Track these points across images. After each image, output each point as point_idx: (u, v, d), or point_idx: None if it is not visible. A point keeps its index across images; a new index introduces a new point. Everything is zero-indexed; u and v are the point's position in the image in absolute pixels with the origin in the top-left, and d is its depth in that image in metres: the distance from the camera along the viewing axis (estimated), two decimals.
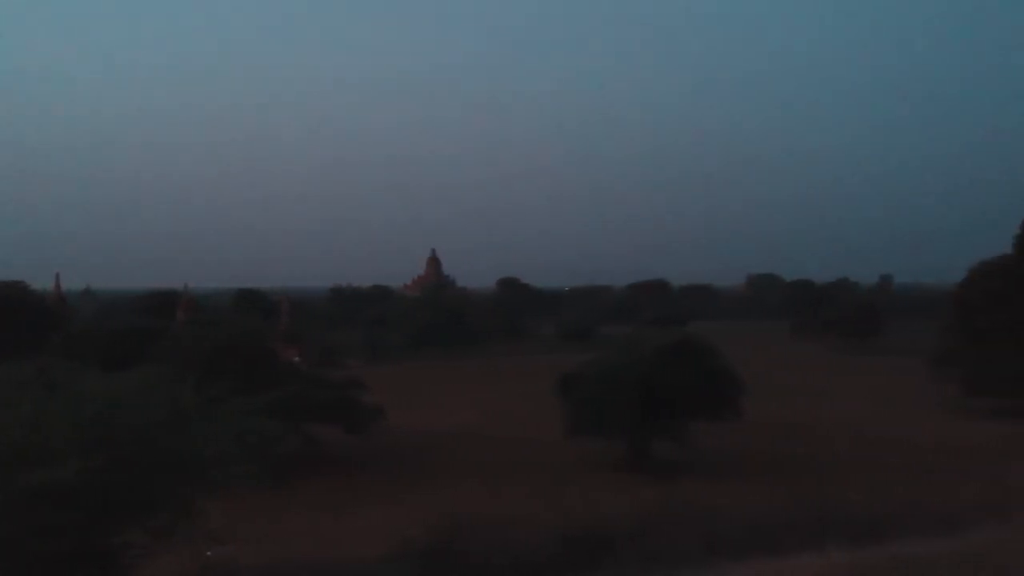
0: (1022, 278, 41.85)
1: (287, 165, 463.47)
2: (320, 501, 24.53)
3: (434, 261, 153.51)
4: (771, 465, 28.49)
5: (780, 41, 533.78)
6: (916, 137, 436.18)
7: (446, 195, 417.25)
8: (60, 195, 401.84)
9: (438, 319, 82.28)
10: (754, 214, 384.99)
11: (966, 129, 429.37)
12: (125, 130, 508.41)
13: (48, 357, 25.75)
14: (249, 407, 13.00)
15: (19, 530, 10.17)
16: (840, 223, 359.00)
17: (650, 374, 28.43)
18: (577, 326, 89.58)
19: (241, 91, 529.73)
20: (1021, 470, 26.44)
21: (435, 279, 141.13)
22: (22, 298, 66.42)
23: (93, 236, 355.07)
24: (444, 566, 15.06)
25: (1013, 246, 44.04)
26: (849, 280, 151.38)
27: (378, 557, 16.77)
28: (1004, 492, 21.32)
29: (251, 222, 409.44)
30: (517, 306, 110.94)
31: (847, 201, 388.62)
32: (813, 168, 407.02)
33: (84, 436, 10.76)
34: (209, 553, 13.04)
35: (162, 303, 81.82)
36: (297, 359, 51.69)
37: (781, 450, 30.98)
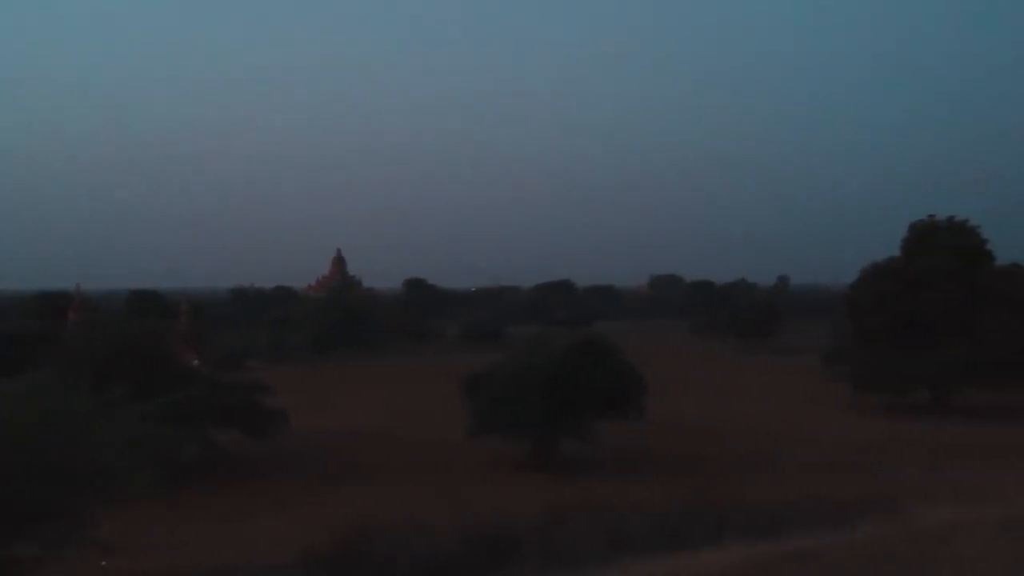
0: (909, 279, 43.76)
1: (184, 161, 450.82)
2: (222, 508, 23.97)
3: (339, 261, 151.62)
4: (673, 462, 29.10)
5: (695, 46, 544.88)
6: (809, 141, 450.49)
7: (351, 194, 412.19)
8: None
9: (343, 320, 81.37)
10: (655, 216, 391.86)
11: (855, 132, 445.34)
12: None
13: None
14: (146, 412, 12.65)
15: None
16: (739, 225, 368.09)
17: (558, 373, 28.69)
18: (484, 326, 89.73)
19: (127, 83, 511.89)
20: (907, 465, 27.73)
21: (340, 279, 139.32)
22: None
23: None
24: (350, 570, 14.91)
25: (901, 248, 46.05)
26: (747, 281, 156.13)
27: (283, 563, 16.49)
28: (892, 486, 22.29)
29: (148, 221, 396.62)
30: (424, 307, 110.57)
31: (746, 204, 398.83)
32: (712, 171, 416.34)
33: None
34: (103, 563, 12.63)
35: (52, 305, 78.87)
36: (196, 362, 50.45)
37: (683, 447, 31.66)
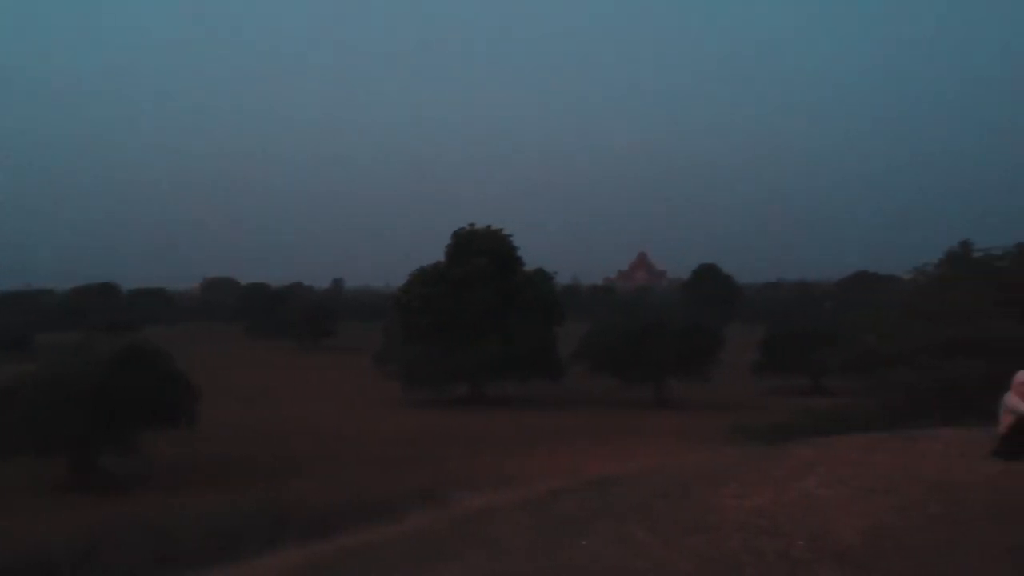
0: (452, 283, 47.45)
1: None
2: None
3: None
4: (229, 470, 28.55)
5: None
6: (352, 147, 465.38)
7: None
8: None
9: None
10: (210, 217, 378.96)
11: (403, 139, 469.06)
12: None
13: None
14: None
15: None
16: (294, 228, 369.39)
17: (98, 384, 26.75)
18: (9, 334, 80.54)
19: None
20: (451, 454, 30.05)
21: None
22: None
23: None
24: None
25: (445, 253, 49.77)
26: (303, 284, 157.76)
27: None
28: (440, 475, 24.02)
29: None
30: None
31: (300, 207, 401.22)
32: (265, 173, 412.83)
33: None
34: None
35: None
36: None
37: (239, 454, 31.20)
